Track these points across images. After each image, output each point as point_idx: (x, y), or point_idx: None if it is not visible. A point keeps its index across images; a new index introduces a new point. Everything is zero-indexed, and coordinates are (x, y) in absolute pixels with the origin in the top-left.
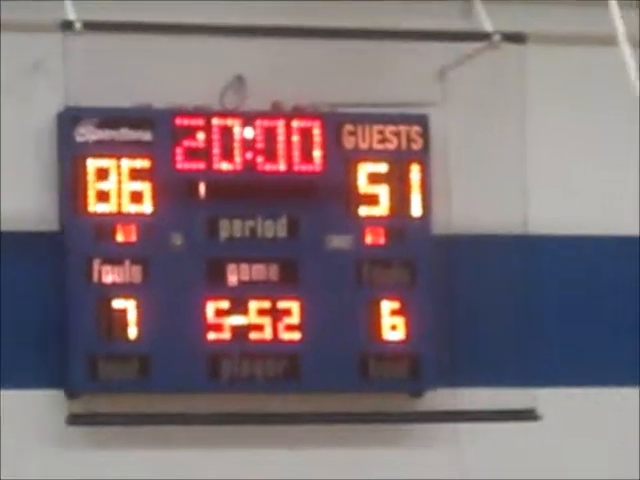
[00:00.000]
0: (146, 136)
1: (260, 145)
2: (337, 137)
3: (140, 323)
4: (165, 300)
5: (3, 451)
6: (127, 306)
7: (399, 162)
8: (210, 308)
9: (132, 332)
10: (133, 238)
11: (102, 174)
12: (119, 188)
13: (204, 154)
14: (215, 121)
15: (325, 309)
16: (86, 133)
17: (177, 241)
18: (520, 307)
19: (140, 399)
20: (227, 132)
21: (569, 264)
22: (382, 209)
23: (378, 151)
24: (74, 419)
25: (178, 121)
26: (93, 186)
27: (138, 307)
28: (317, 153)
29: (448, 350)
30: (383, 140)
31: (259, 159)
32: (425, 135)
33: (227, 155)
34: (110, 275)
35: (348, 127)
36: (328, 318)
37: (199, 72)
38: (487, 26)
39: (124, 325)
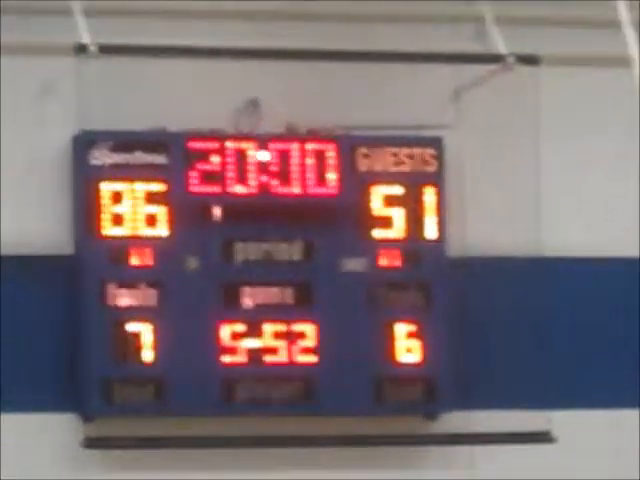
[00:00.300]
0: (161, 159)
1: (274, 168)
2: (351, 160)
3: (155, 346)
4: (180, 323)
5: (19, 474)
6: (142, 329)
7: (414, 184)
8: (225, 331)
9: (147, 355)
10: (148, 261)
11: (117, 197)
12: (134, 211)
13: (219, 177)
14: (229, 144)
15: (340, 332)
16: (100, 156)
17: (192, 264)
18: (535, 329)
19: (155, 422)
20: (241, 155)
21: (584, 286)
22: (397, 231)
23: (392, 174)
24: (90, 442)
25: (192, 144)
26: (108, 209)
27: (153, 330)
28: (331, 176)
29: (463, 372)
30: (397, 163)
31: (274, 182)
32: (439, 157)
33: (242, 178)
34: (125, 298)
35: (362, 150)
36: (343, 341)
37: (213, 95)
38: (501, 48)
39: (139, 348)
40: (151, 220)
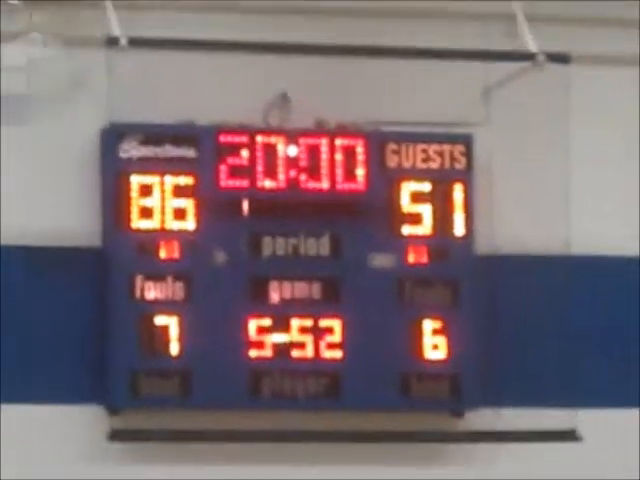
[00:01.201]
0: (190, 153)
1: (303, 163)
2: (380, 155)
3: (182, 339)
4: (207, 317)
5: (45, 466)
6: (169, 322)
7: (442, 181)
8: (252, 325)
9: (174, 348)
10: (176, 255)
11: (145, 190)
12: (162, 205)
13: (248, 171)
14: (259, 138)
15: (367, 328)
16: (130, 149)
17: (220, 258)
18: (562, 328)
19: (181, 415)
20: (271, 150)
21: (612, 285)
22: (425, 228)
23: (421, 170)
24: (115, 435)
25: (222, 138)
26: (136, 202)
27: (180, 324)
28: (360, 171)
29: (490, 370)
30: (426, 159)
31: (302, 177)
32: (469, 155)
33: (271, 173)
34: (152, 291)
35: (391, 146)
36: (370, 337)
37: (243, 89)
38: (531, 46)
39: (166, 341)
40: (179, 213)
